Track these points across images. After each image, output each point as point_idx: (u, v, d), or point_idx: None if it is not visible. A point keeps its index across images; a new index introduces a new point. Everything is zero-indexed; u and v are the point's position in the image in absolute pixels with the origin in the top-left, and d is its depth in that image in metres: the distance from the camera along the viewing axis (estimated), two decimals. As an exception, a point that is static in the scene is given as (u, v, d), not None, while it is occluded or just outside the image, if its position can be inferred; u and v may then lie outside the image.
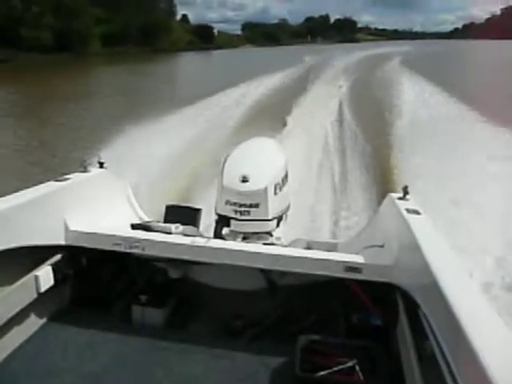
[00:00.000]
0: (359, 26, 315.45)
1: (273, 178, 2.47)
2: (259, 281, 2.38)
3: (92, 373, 1.89)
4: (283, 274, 2.30)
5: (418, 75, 20.40)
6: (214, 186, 2.65)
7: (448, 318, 1.29)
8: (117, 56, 41.38)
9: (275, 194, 2.45)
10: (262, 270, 2.31)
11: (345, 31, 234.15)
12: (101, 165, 2.73)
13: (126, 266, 2.55)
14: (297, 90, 17.21)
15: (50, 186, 2.31)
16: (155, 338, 2.14)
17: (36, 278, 2.10)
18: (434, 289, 1.44)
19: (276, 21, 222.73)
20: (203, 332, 2.31)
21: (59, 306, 2.34)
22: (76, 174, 2.54)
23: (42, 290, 2.12)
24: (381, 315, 2.12)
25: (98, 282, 2.45)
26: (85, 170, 2.58)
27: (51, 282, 2.18)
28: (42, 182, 2.30)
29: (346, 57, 36.59)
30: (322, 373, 1.84)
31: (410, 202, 2.31)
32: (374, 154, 8.64)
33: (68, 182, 2.40)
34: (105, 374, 1.88)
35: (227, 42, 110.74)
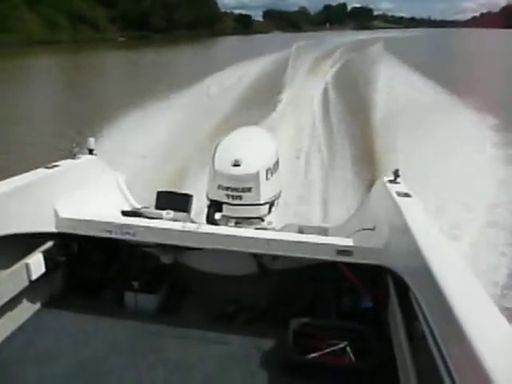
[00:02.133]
0: (377, 13, 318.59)
1: (264, 162, 2.47)
2: (251, 265, 2.40)
3: (85, 359, 1.89)
4: (275, 258, 2.31)
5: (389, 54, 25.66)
6: (206, 172, 2.65)
7: (438, 299, 1.31)
8: (194, 36, 62.07)
9: (267, 178, 2.45)
10: (254, 255, 2.32)
11: (361, 19, 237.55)
12: (90, 151, 2.70)
13: (118, 253, 2.54)
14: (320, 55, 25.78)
15: (40, 173, 2.28)
16: (148, 323, 2.15)
17: (27, 265, 2.09)
18: (424, 271, 1.46)
19: (296, 8, 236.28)
20: (196, 317, 2.33)
21: (51, 294, 2.33)
22: (66, 160, 2.51)
23: (34, 277, 2.11)
24: (371, 298, 2.15)
25: (90, 269, 2.44)
26: (74, 157, 2.56)
27: (42, 270, 2.17)
28: (30, 170, 2.27)
29: (351, 37, 49.96)
30: (314, 355, 1.87)
31: (401, 186, 2.33)
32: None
33: (58, 168, 2.38)
34: (98, 360, 1.89)
35: (259, 28, 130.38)
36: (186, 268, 2.50)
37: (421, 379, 1.54)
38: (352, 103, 12.53)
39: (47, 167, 2.35)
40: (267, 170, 2.47)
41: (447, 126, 8.23)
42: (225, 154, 2.49)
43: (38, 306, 2.24)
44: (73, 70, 27.52)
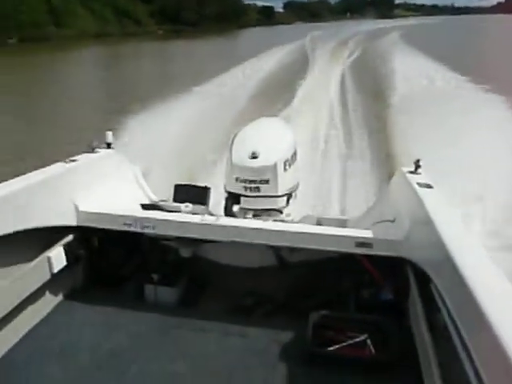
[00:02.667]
0: (398, 1, 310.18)
1: (282, 154, 2.45)
2: (270, 258, 2.39)
3: (106, 351, 1.92)
4: (293, 250, 2.30)
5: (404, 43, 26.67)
6: (223, 164, 2.65)
7: (460, 290, 1.28)
8: (221, 29, 66.21)
9: (285, 170, 2.44)
10: (273, 247, 2.31)
11: (382, 8, 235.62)
12: (108, 145, 2.72)
13: (138, 246, 2.56)
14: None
15: (59, 167, 2.31)
16: (168, 316, 2.16)
17: (48, 258, 2.12)
18: (447, 262, 1.43)
19: None
20: (215, 310, 2.34)
21: (72, 287, 2.36)
22: (84, 155, 2.53)
23: (55, 270, 2.14)
24: (392, 290, 2.12)
25: (110, 262, 2.47)
26: (92, 151, 2.58)
27: (64, 263, 2.20)
28: (49, 164, 2.30)
29: (369, 27, 52.56)
30: (333, 347, 1.86)
31: (422, 176, 2.29)
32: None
33: (76, 163, 2.40)
34: (120, 353, 1.91)
35: (281, 19, 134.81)
36: (204, 261, 2.50)
37: (443, 371, 1.52)
38: (368, 90, 12.62)
39: (66, 161, 2.38)
40: (285, 162, 2.45)
41: (467, 114, 8.03)
42: (242, 145, 2.48)
43: (59, 298, 2.28)
44: (123, 57, 31.95)
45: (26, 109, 13.67)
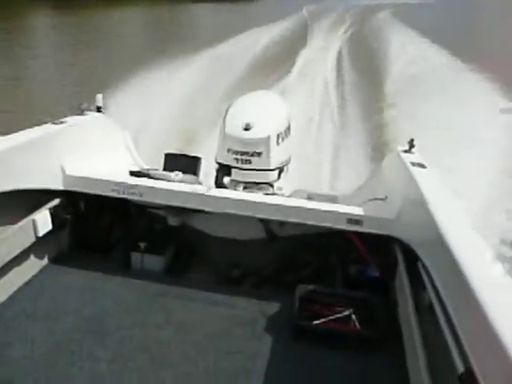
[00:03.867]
0: None
1: (276, 127, 2.41)
2: (259, 230, 2.38)
3: (91, 315, 1.91)
4: (283, 224, 2.29)
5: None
6: (215, 135, 2.60)
7: (450, 270, 1.29)
8: None
9: (277, 144, 2.40)
10: (262, 220, 2.29)
11: None
12: (98, 109, 2.65)
13: (125, 213, 2.53)
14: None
15: (47, 128, 2.25)
16: (154, 284, 2.15)
17: (34, 221, 2.08)
18: (437, 241, 1.43)
19: None
20: (202, 279, 2.33)
21: (58, 251, 2.34)
22: (73, 117, 2.47)
23: (41, 233, 2.11)
24: (379, 267, 2.13)
25: (97, 228, 2.44)
26: (82, 114, 2.51)
27: (49, 227, 2.17)
28: (37, 125, 2.24)
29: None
30: (319, 321, 1.87)
31: (416, 156, 2.27)
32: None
33: (65, 125, 2.34)
34: (104, 317, 1.91)
35: None
36: (193, 231, 2.49)
37: (427, 347, 1.54)
38: (362, 63, 12.86)
39: (54, 123, 2.31)
40: (278, 135, 2.41)
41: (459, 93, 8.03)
42: (236, 117, 2.44)
43: (44, 262, 2.25)
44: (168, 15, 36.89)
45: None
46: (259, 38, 16.54)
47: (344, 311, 1.93)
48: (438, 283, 1.43)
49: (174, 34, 22.14)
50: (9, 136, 2.04)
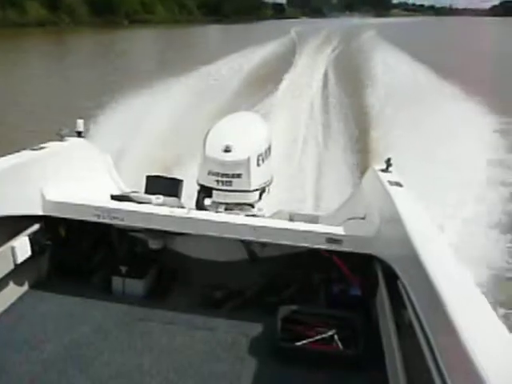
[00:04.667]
0: (397, 1, 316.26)
1: (256, 149, 2.44)
2: (240, 252, 2.38)
3: (71, 343, 1.88)
4: (264, 245, 2.30)
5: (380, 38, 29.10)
6: (197, 157, 2.62)
7: (426, 288, 1.30)
8: (247, 20, 78.84)
9: (258, 165, 2.42)
10: (243, 241, 2.30)
11: (379, 7, 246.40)
12: (79, 134, 2.65)
13: (106, 237, 2.51)
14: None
15: (26, 154, 2.24)
16: (135, 308, 2.13)
17: (13, 248, 2.05)
18: (414, 260, 1.45)
19: None
20: (184, 303, 2.31)
21: (37, 277, 2.30)
22: (53, 143, 2.46)
23: (19, 260, 2.08)
24: (360, 286, 2.14)
25: (77, 253, 2.41)
26: (62, 139, 2.51)
27: (28, 253, 2.14)
28: (16, 151, 2.23)
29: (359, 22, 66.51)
30: (301, 342, 1.87)
31: (393, 175, 2.32)
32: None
33: (45, 150, 2.33)
34: (85, 345, 1.87)
35: (290, 14, 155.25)
36: (174, 253, 2.48)
37: (407, 367, 1.55)
38: (347, 82, 13.32)
39: (34, 149, 2.31)
40: (258, 156, 2.43)
41: (441, 112, 8.23)
42: (216, 139, 2.46)
43: (23, 289, 2.21)
44: (191, 34, 45.16)
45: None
46: (247, 60, 16.82)
47: (327, 331, 1.93)
48: (415, 302, 1.44)
49: (184, 50, 25.90)
50: None
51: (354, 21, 74.03)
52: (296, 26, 41.09)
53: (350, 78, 14.09)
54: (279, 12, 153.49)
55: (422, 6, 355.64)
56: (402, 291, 1.63)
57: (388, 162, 2.39)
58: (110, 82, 13.07)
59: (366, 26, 43.04)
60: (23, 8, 47.13)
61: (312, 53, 20.98)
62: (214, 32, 49.39)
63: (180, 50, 25.56)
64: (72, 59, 22.74)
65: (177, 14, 79.17)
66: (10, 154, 2.18)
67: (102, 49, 29.27)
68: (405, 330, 1.63)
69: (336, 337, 1.91)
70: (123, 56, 23.18)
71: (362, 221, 2.14)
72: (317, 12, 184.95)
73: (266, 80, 12.91)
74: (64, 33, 41.84)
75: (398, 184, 2.16)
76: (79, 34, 40.63)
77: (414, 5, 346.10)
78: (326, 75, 15.14)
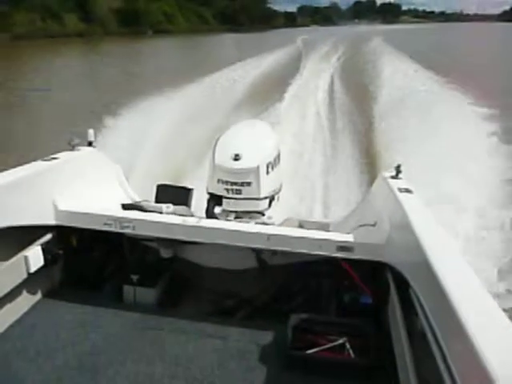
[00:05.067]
0: (407, 8, 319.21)
1: (265, 157, 2.45)
2: (251, 260, 2.38)
3: (83, 352, 1.89)
4: (275, 253, 2.30)
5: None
6: (206, 166, 2.63)
7: (438, 296, 1.29)
8: (261, 28, 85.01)
9: (267, 173, 2.43)
10: (254, 250, 2.30)
11: (388, 15, 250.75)
12: (90, 144, 2.68)
13: (118, 246, 2.53)
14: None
15: (38, 165, 2.27)
16: (147, 317, 2.14)
17: (26, 258, 2.08)
18: (425, 267, 1.44)
19: (327, 4, 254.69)
20: (195, 311, 2.32)
21: (50, 286, 2.32)
22: (64, 153, 2.49)
23: (32, 270, 2.11)
24: (372, 294, 2.13)
25: (89, 262, 2.43)
26: (73, 149, 2.54)
27: (41, 262, 2.17)
28: (28, 162, 2.26)
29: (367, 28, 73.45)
30: (313, 350, 1.86)
31: (403, 181, 2.31)
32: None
33: (56, 161, 2.36)
34: (96, 353, 1.88)
35: (301, 22, 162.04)
36: (185, 262, 2.49)
37: (420, 376, 1.53)
38: (353, 90, 13.33)
39: (45, 159, 2.34)
40: (268, 164, 2.45)
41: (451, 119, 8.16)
42: (225, 147, 2.47)
43: (36, 298, 2.24)
44: (210, 42, 50.49)
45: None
46: (253, 68, 16.91)
47: (338, 340, 1.91)
48: (427, 309, 1.43)
49: (203, 56, 28.88)
50: (0, 174, 2.06)
51: (361, 28, 78.79)
52: (305, 34, 43.16)
53: (356, 85, 14.13)
54: (291, 21, 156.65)
55: (432, 12, 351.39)
56: (414, 299, 1.62)
57: (398, 169, 2.38)
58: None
59: (373, 33, 44.66)
60: (63, 20, 54.85)
61: (318, 60, 21.25)
62: (229, 40, 51.97)
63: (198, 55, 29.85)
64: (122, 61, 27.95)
65: (195, 24, 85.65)
66: (22, 164, 2.21)
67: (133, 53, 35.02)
68: (417, 338, 1.61)
69: (348, 345, 1.90)
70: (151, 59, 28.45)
71: (372, 228, 2.14)
72: (327, 20, 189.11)
73: (273, 87, 12.99)
74: (98, 41, 46.71)
75: (408, 191, 2.16)
76: (113, 43, 45.18)
77: (424, 11, 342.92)
78: (331, 82, 15.21)
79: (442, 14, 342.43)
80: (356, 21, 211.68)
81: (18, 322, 2.07)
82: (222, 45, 45.37)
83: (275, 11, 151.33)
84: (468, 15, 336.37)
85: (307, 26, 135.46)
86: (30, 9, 49.52)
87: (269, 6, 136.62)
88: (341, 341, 1.91)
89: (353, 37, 40.51)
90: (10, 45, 38.02)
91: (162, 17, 75.27)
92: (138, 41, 47.64)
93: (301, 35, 40.76)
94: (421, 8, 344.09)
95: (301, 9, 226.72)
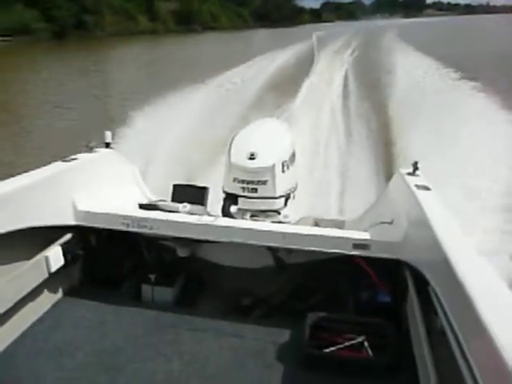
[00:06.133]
0: (431, 1, 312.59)
1: (280, 155, 2.45)
2: (267, 259, 2.39)
3: (103, 351, 1.92)
4: (291, 251, 2.30)
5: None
6: (222, 164, 2.65)
7: (457, 294, 1.28)
8: (287, 24, 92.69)
9: (283, 171, 2.44)
10: (270, 248, 2.31)
11: (412, 8, 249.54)
12: (107, 145, 2.72)
13: (135, 246, 2.56)
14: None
15: (57, 166, 2.31)
16: (165, 316, 2.16)
17: (46, 258, 2.11)
18: (444, 265, 1.43)
19: (351, 0, 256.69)
20: (212, 310, 2.33)
21: (70, 286, 2.36)
22: (83, 154, 2.53)
23: (53, 269, 2.14)
24: (389, 292, 2.12)
25: (108, 262, 2.46)
26: (91, 151, 2.58)
27: (61, 262, 2.20)
28: (48, 163, 2.30)
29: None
30: (330, 349, 1.85)
31: (420, 178, 2.29)
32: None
33: (75, 162, 2.40)
34: (115, 352, 1.91)
35: (326, 18, 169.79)
36: (202, 261, 2.50)
37: (440, 374, 1.52)
38: (367, 86, 13.40)
39: (65, 160, 2.38)
40: (283, 163, 2.45)
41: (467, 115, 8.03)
42: (240, 146, 2.48)
43: (57, 297, 2.28)
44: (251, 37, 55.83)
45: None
46: (268, 65, 16.96)
47: (356, 338, 1.90)
48: (447, 308, 1.42)
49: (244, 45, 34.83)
50: (20, 175, 2.10)
51: (381, 22, 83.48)
52: (329, 29, 48.76)
53: (370, 80, 14.05)
54: (316, 16, 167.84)
55: (457, 4, 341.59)
56: (433, 297, 1.61)
57: (415, 166, 2.36)
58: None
59: (391, 27, 47.87)
60: (137, 21, 68.62)
61: (331, 55, 21.57)
62: (263, 33, 62.14)
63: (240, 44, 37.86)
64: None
65: (235, 21, 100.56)
66: (42, 166, 2.26)
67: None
68: (436, 336, 1.60)
69: (366, 344, 1.88)
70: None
71: (389, 225, 2.12)
72: (350, 16, 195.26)
73: (289, 83, 13.02)
74: (163, 37, 58.06)
75: (426, 188, 2.13)
76: (175, 37, 56.00)
77: (449, 4, 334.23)
78: (346, 78, 15.19)
79: (468, 6, 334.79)
80: (378, 15, 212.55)
81: (40, 320, 2.11)
82: (259, 38, 53.08)
83: (302, 8, 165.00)
84: (495, 6, 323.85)
85: (332, 21, 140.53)
86: (113, 13, 64.00)
87: (294, 3, 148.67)
88: (359, 339, 1.89)
89: (370, 30, 44.58)
90: (108, 39, 50.88)
91: (209, 16, 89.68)
92: (191, 36, 59.13)
93: (325, 30, 45.65)
94: (445, 1, 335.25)
95: (324, 5, 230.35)
